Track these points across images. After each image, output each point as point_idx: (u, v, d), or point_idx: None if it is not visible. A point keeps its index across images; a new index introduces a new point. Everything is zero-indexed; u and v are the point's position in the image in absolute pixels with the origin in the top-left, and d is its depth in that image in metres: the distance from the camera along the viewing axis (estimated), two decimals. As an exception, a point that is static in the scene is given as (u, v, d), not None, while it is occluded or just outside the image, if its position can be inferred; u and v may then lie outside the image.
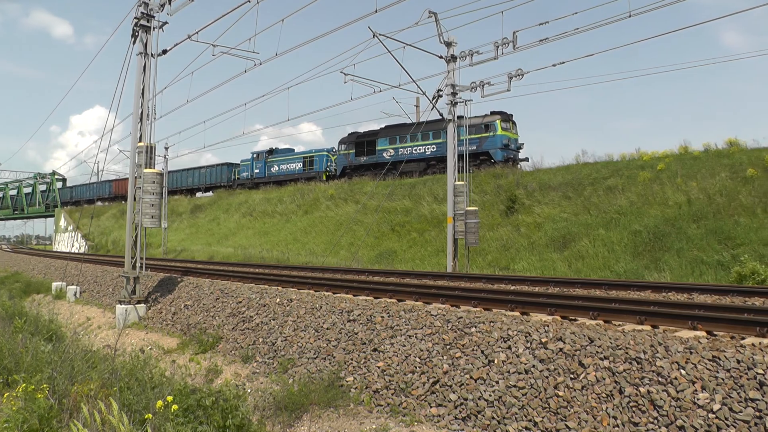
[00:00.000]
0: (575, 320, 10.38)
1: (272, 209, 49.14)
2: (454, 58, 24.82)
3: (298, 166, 52.29)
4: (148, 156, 18.73)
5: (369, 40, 23.34)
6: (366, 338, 11.15)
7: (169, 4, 19.60)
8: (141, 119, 19.40)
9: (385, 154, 43.04)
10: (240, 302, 15.83)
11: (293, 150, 55.98)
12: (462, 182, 25.29)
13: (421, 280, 19.95)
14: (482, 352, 9.23)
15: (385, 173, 39.86)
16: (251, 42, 22.89)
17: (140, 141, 19.21)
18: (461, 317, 10.42)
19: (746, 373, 6.73)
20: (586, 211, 28.96)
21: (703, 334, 8.81)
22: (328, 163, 50.10)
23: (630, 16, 19.45)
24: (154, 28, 19.74)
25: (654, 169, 29.54)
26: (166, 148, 49.58)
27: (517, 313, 11.14)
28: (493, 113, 38.31)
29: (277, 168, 54.19)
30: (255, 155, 56.51)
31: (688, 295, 14.00)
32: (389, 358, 10.26)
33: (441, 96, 25.09)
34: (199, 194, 65.71)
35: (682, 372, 7.09)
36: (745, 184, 25.64)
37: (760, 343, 7.67)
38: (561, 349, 8.43)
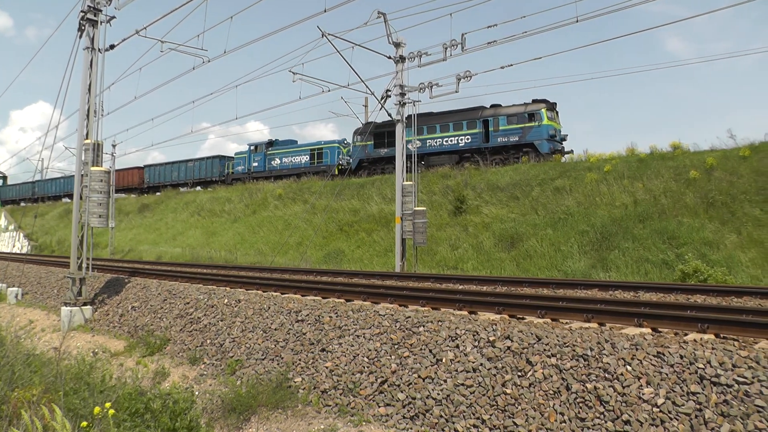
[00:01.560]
0: (523, 319, 10.42)
1: (220, 209, 48.45)
2: (402, 59, 24.84)
3: (305, 159, 47.96)
4: (95, 154, 18.27)
5: (318, 39, 23.22)
6: (314, 338, 11.05)
7: (118, -3, 19.16)
8: (88, 116, 18.90)
9: (410, 146, 39.95)
10: (188, 303, 15.56)
11: (296, 142, 51.92)
12: (410, 182, 25.28)
13: (369, 280, 19.91)
14: (430, 351, 9.20)
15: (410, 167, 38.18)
16: (200, 39, 22.63)
17: (87, 138, 18.72)
18: (409, 317, 10.38)
19: (688, 368, 6.85)
20: (534, 211, 29.30)
21: (649, 330, 8.94)
22: (340, 156, 46.03)
23: (577, 21, 19.71)
24: (101, 23, 19.25)
25: (601, 170, 30.04)
26: (114, 146, 48.49)
27: (465, 313, 11.15)
28: (536, 101, 35.54)
29: (279, 161, 49.86)
30: (253, 147, 52.05)
31: (634, 294, 14.25)
32: (337, 358, 10.17)
33: (390, 96, 25.10)
34: (183, 189, 60.16)
35: (628, 368, 7.16)
36: (688, 185, 26.32)
37: (701, 339, 7.82)
38: (509, 348, 8.44)
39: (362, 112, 51.97)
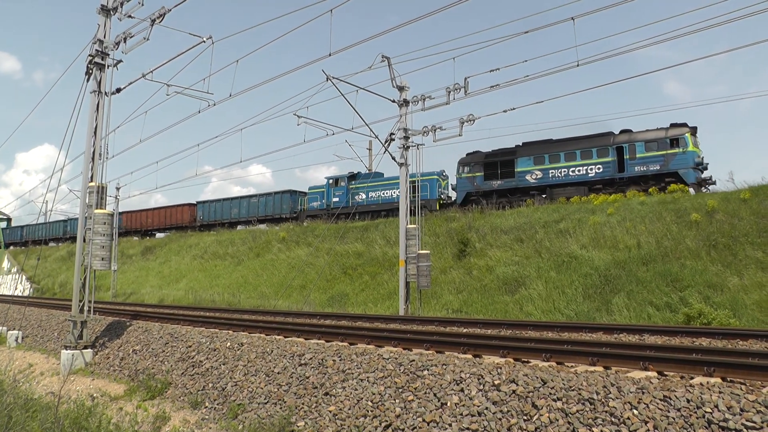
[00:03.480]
0: (528, 362, 10.36)
1: (224, 251, 48.40)
2: (406, 102, 25.12)
3: (397, 193, 40.54)
4: (99, 196, 18.35)
5: (323, 83, 23.45)
6: (317, 382, 10.98)
7: (125, 42, 19.37)
8: (93, 158, 19.03)
9: (528, 177, 36.18)
10: (190, 346, 15.49)
11: (382, 174, 45.68)
12: (414, 225, 25.35)
13: (373, 323, 19.87)
14: (435, 394, 9.14)
15: (524, 199, 35.66)
16: (205, 82, 22.80)
17: (91, 181, 18.82)
18: (413, 360, 10.33)
19: (695, 412, 6.80)
20: (538, 254, 29.27)
21: (654, 374, 8.88)
22: (440, 189, 41.96)
23: (578, 65, 19.95)
24: (108, 66, 19.48)
25: (604, 213, 30.11)
26: (118, 189, 48.46)
27: (469, 356, 11.09)
28: (675, 125, 32.29)
29: (365, 196, 44.79)
30: (331, 181, 46.94)
31: (639, 336, 14.17)
32: (341, 402, 10.10)
33: (393, 140, 25.31)
34: (244, 227, 54.52)
35: (635, 412, 7.10)
36: (690, 228, 26.40)
37: (708, 382, 7.77)
38: (514, 391, 8.38)
39: (366, 156, 51.96)
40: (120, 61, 19.78)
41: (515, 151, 37.20)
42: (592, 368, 9.52)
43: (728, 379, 8.31)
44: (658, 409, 7.03)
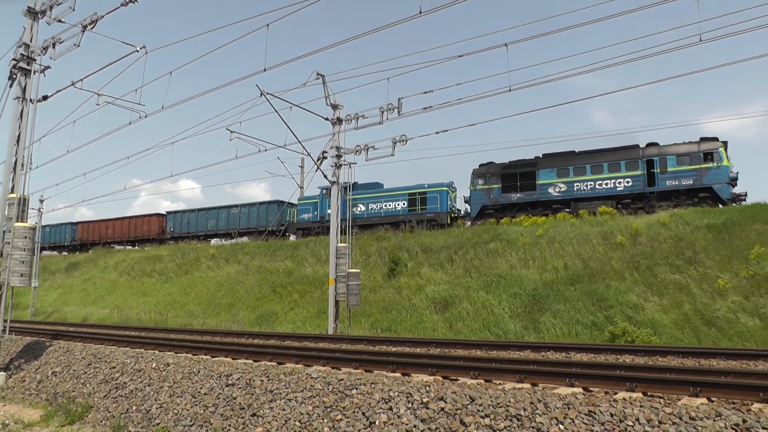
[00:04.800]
0: (456, 380, 10.42)
1: (151, 268, 47.16)
2: (340, 120, 25.10)
3: (401, 205, 40.49)
4: (20, 208, 17.55)
5: (257, 98, 23.28)
6: (245, 403, 10.79)
7: (53, 47, 18.60)
8: (14, 168, 18.26)
9: (551, 190, 34.67)
10: (114, 367, 15.02)
11: (382, 185, 43.63)
12: (344, 244, 25.28)
13: (302, 342, 19.74)
14: (363, 413, 9.09)
15: (546, 213, 34.28)
16: (138, 93, 22.28)
17: (12, 192, 18.06)
18: (342, 379, 10.27)
19: (618, 426, 7.00)
20: (468, 274, 29.60)
21: (580, 390, 9.06)
22: (450, 202, 39.72)
23: (510, 91, 20.34)
24: (34, 72, 18.62)
25: (533, 234, 30.69)
26: (41, 201, 46.56)
27: (398, 374, 11.09)
28: (706, 140, 31.37)
29: (364, 208, 41.99)
30: (325, 191, 42.93)
31: (565, 354, 14.44)
32: (268, 422, 9.94)
33: (326, 158, 25.20)
34: (224, 241, 50.71)
35: (561, 427, 7.22)
36: (615, 250, 27.23)
37: (630, 397, 8.04)
38: (442, 409, 8.41)
39: (298, 173, 51.49)
40: (48, 67, 19.02)
41: (536, 162, 35.85)
42: (519, 385, 9.65)
43: (649, 393, 8.63)
44: (583, 423, 7.17)
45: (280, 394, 10.56)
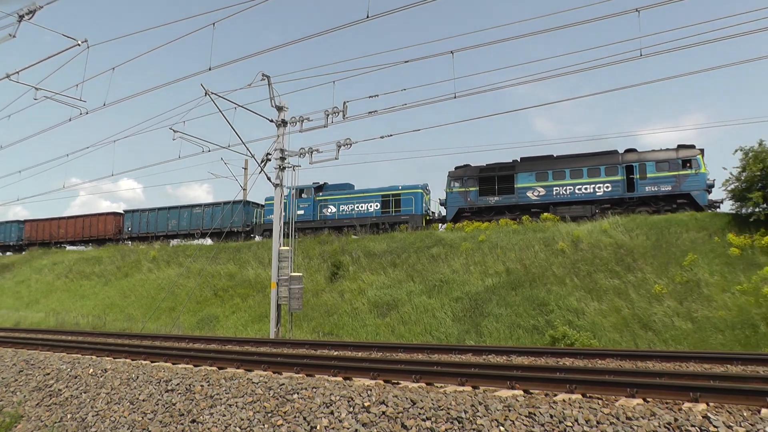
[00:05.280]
0: (398, 384, 10.40)
1: (90, 270, 45.77)
2: (284, 122, 24.86)
3: (374, 207, 39.53)
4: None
5: (201, 97, 22.94)
6: (184, 409, 10.58)
7: (-13, 37, 18.08)
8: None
9: (530, 194, 34.39)
10: (48, 374, 14.56)
11: (352, 186, 42.67)
12: (287, 247, 25.06)
13: (243, 346, 19.50)
14: (304, 418, 9.00)
15: (521, 217, 33.80)
16: (78, 88, 21.70)
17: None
18: (283, 384, 10.17)
19: (558, 426, 7.10)
20: (410, 278, 29.73)
21: (521, 392, 9.13)
22: (425, 205, 38.95)
23: (455, 97, 20.52)
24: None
25: (476, 240, 30.98)
26: (-29, 198, 44.44)
27: (339, 379, 11.02)
28: (684, 147, 31.62)
29: (335, 209, 40.94)
30: (294, 191, 39.44)
31: (506, 358, 14.57)
32: (208, 429, 9.78)
33: (270, 160, 24.91)
34: (182, 242, 48.07)
35: (501, 428, 7.27)
36: (557, 256, 27.68)
37: (570, 399, 8.18)
38: (384, 413, 8.38)
39: (242, 175, 50.78)
40: (-20, 58, 18.40)
41: (514, 166, 35.55)
42: (461, 388, 9.68)
43: (588, 395, 8.76)
44: (524, 425, 7.24)
45: (221, 399, 10.40)
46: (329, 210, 41.08)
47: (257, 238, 43.34)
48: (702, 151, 31.24)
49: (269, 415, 9.45)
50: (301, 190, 41.60)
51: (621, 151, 33.40)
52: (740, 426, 6.72)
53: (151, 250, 44.00)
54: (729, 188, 27.47)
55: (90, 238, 53.43)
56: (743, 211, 26.10)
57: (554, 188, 33.74)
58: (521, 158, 35.94)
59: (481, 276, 28.12)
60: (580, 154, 34.26)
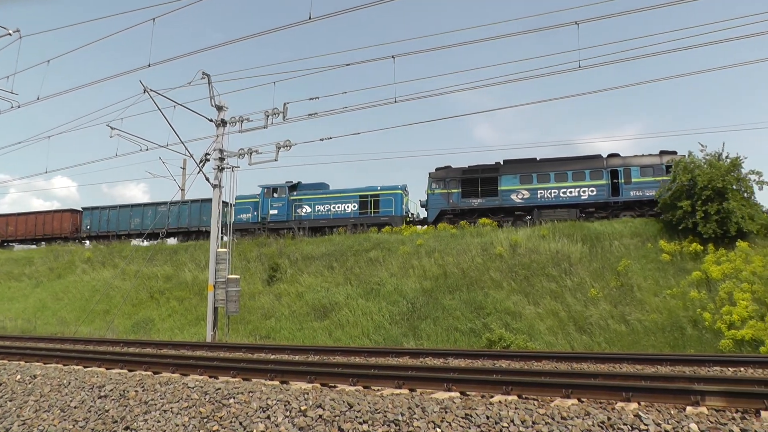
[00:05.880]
0: (335, 387, 10.35)
1: (19, 272, 43.85)
2: (224, 122, 24.49)
3: (352, 207, 38.36)
4: None
5: (140, 94, 22.50)
6: (118, 416, 10.30)
7: None
8: None
9: (514, 197, 33.99)
10: (-32, 382, 13.99)
11: (328, 186, 41.59)
12: (224, 249, 24.71)
13: (179, 350, 19.14)
14: (240, 423, 8.87)
15: (509, 219, 33.43)
16: (10, 80, 21.04)
17: None
18: (219, 388, 10.01)
19: (494, 427, 7.15)
20: (348, 281, 29.73)
21: (457, 394, 9.19)
22: (405, 206, 38.04)
23: (396, 102, 20.58)
24: None
25: (414, 243, 31.13)
26: None
27: (276, 382, 10.92)
28: (666, 153, 31.66)
29: (309, 209, 39.59)
30: (266, 190, 40.72)
31: (443, 360, 14.64)
32: (141, 435, 9.54)
33: (209, 160, 24.49)
34: (143, 242, 45.80)
35: (438, 430, 7.29)
36: (495, 260, 28.03)
37: (506, 400, 8.27)
38: (320, 416, 8.32)
39: (180, 175, 49.59)
40: None
41: (497, 168, 35.07)
42: (398, 391, 9.68)
43: (524, 396, 8.87)
44: (460, 426, 7.27)
45: (156, 405, 10.17)
46: (304, 210, 39.82)
47: (224, 239, 42.08)
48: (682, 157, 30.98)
49: (205, 420, 9.28)
50: (274, 189, 40.57)
51: (604, 155, 33.44)
52: (668, 423, 6.90)
53: (86, 251, 42.81)
54: (660, 197, 28.31)
55: (43, 237, 50.22)
56: (673, 219, 26.84)
57: (539, 191, 33.54)
58: (504, 160, 35.48)
59: (419, 279, 28.29)
60: (565, 158, 34.29)
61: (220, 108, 24.47)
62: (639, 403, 8.09)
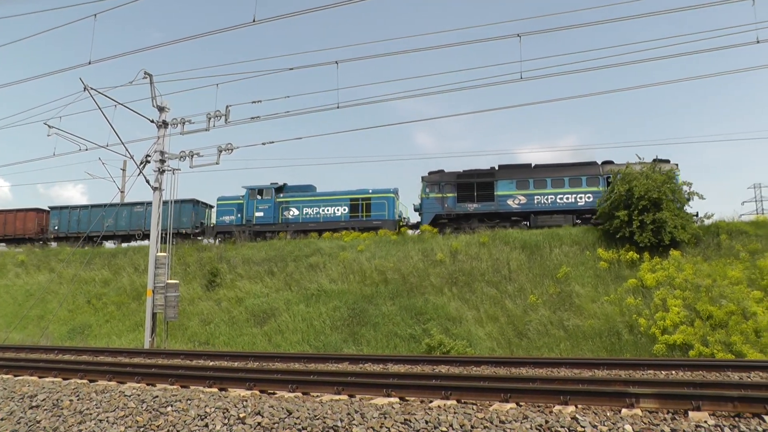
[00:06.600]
0: (274, 393, 10.27)
1: (-55, 275, 42.33)
2: (165, 123, 24.09)
3: (342, 210, 37.40)
4: None
5: (80, 92, 22.02)
6: (50, 426, 9.99)
7: None
8: None
9: (510, 202, 33.61)
10: None
11: (314, 188, 40.35)
12: (164, 254, 24.29)
13: (116, 357, 18.72)
14: (178, 431, 8.72)
15: (506, 225, 32.72)
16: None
17: None
18: (157, 396, 9.83)
19: (434, 431, 7.11)
20: (288, 287, 29.62)
21: (397, 400, 9.18)
22: (397, 210, 37.43)
23: (338, 107, 20.61)
24: None
25: (354, 249, 31.15)
26: None
27: (215, 390, 10.78)
28: (660, 161, 31.04)
29: (297, 212, 38.36)
30: (251, 191, 39.37)
31: (383, 366, 14.65)
32: (76, 446, 9.29)
33: (149, 162, 24.06)
34: (117, 243, 43.55)
35: (375, 436, 7.27)
36: (435, 266, 28.24)
37: (445, 405, 8.35)
38: (259, 423, 8.23)
39: (120, 176, 48.35)
40: None
41: (493, 173, 34.70)
42: (337, 397, 9.65)
43: (463, 400, 8.92)
44: (399, 431, 7.27)
45: (91, 414, 9.90)
46: (291, 213, 38.69)
47: (206, 242, 40.47)
48: (676, 165, 31.61)
49: (141, 429, 9.09)
50: (260, 191, 39.30)
51: (599, 162, 33.41)
52: (604, 425, 7.02)
53: (19, 254, 41.46)
54: (599, 207, 28.96)
55: (4, 238, 46.62)
56: (611, 228, 27.45)
57: (535, 197, 33.36)
58: (499, 165, 35.28)
59: (359, 285, 28.36)
60: (561, 164, 34.25)
61: (161, 109, 24.09)
62: (576, 406, 8.19)
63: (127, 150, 24.66)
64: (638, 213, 26.26)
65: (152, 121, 24.36)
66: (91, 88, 21.98)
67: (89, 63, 20.57)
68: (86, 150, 25.38)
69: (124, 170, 48.21)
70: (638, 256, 26.18)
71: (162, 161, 24.13)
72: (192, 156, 24.44)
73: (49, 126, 23.55)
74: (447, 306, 25.61)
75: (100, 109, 22.51)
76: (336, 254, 31.14)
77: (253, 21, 18.22)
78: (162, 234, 25.05)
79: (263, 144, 25.20)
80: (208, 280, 31.82)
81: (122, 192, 44.63)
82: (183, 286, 29.98)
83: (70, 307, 33.41)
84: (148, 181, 24.26)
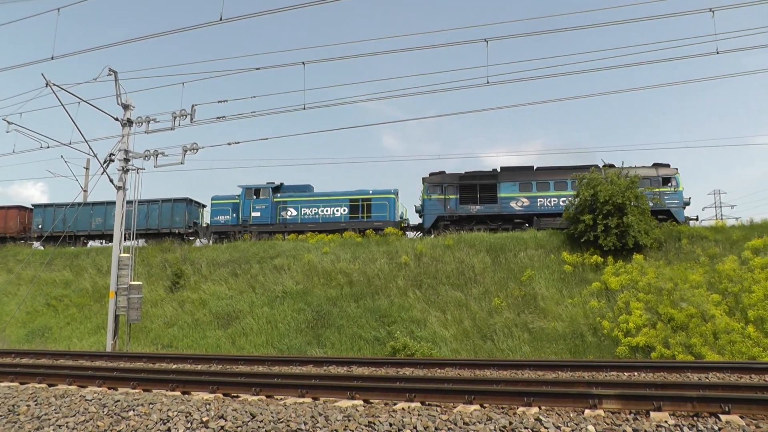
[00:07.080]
0: (238, 397, 10.20)
1: None
2: (130, 122, 23.77)
3: (341, 211, 36.79)
4: None
5: (41, 88, 21.62)
6: (5, 433, 9.80)
7: None
8: None
9: (513, 204, 33.47)
10: None
11: (312, 188, 39.73)
12: (127, 254, 23.95)
13: (77, 361, 18.43)
14: (140, 436, 8.61)
15: (508, 227, 32.71)
16: None
17: None
18: (119, 400, 9.68)
19: (399, 433, 7.14)
20: (252, 289, 29.46)
21: (361, 402, 9.18)
22: (398, 211, 37.09)
23: (305, 109, 20.55)
24: None
25: (319, 251, 31.07)
26: None
27: (178, 393, 10.67)
28: (660, 165, 31.86)
29: (294, 212, 37.56)
30: (248, 190, 38.31)
31: (347, 368, 14.63)
32: (33, 453, 9.11)
33: (113, 161, 23.70)
34: (104, 243, 40.94)
35: (341, 439, 7.25)
36: (400, 269, 28.32)
37: (409, 407, 8.37)
38: (222, 427, 8.16)
39: (83, 175, 47.42)
40: None
41: (496, 175, 34.49)
42: (301, 400, 9.61)
43: (427, 402, 8.95)
44: (363, 434, 7.27)
45: (50, 420, 9.70)
46: (289, 213, 37.88)
47: (198, 243, 39.49)
48: (676, 170, 32.05)
49: (101, 434, 8.97)
50: (257, 190, 38.36)
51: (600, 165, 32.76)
52: (567, 426, 7.10)
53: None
54: (565, 211, 29.28)
55: None
56: (576, 232, 27.73)
57: (538, 199, 33.35)
58: (502, 168, 35.15)
59: (323, 288, 28.31)
60: (563, 167, 34.15)
61: (126, 107, 23.77)
62: (540, 408, 8.28)
63: (90, 148, 24.34)
64: (603, 217, 26.60)
65: (117, 119, 24.02)
66: (54, 84, 21.60)
67: (52, 58, 20.27)
68: (48, 147, 25.00)
69: (87, 169, 47.19)
70: (602, 259, 26.57)
71: (126, 160, 23.79)
72: (157, 155, 24.14)
73: (9, 122, 23.15)
74: (412, 308, 25.67)
75: (62, 105, 22.16)
76: (301, 256, 31.02)
77: (220, 19, 18.14)
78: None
79: (229, 144, 25.04)
80: (172, 282, 31.48)
81: (85, 191, 43.85)
82: (146, 287, 29.62)
83: (28, 309, 32.75)
84: (111, 181, 23.88)
